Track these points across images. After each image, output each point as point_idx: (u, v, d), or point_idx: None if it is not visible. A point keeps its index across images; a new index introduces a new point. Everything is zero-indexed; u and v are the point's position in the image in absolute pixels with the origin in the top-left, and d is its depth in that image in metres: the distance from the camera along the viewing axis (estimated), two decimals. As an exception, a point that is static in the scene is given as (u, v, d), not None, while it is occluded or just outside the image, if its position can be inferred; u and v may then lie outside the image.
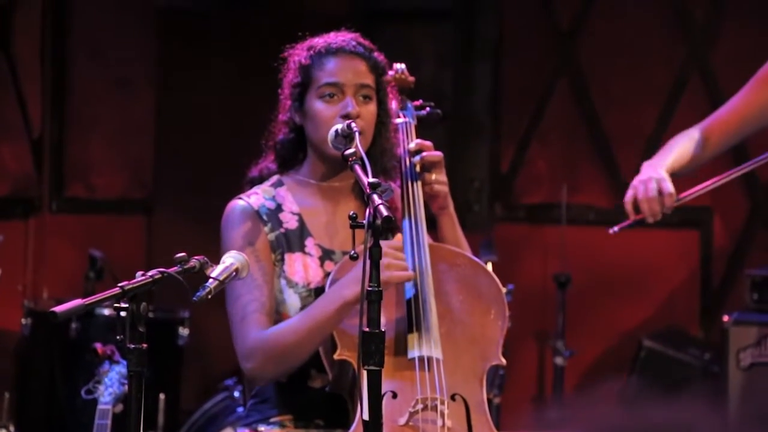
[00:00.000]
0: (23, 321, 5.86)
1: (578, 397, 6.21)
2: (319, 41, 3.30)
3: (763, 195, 6.38)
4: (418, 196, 3.29)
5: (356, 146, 2.95)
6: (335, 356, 3.06)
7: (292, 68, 3.31)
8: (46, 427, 5.90)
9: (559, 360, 6.11)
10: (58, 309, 2.48)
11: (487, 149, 6.93)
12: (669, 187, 3.74)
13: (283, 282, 3.23)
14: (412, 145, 3.34)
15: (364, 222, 2.67)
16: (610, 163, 6.65)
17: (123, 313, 2.54)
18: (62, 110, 6.71)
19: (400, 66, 3.53)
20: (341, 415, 3.14)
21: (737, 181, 3.91)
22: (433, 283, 3.18)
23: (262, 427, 3.26)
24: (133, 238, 6.97)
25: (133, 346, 2.55)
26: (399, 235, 3.23)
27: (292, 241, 3.27)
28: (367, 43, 3.32)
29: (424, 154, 3.31)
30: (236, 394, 5.37)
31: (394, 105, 3.45)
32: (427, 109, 3.54)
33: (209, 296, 2.67)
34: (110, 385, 4.02)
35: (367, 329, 2.64)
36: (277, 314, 3.22)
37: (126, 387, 3.94)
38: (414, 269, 3.16)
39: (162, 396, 5.47)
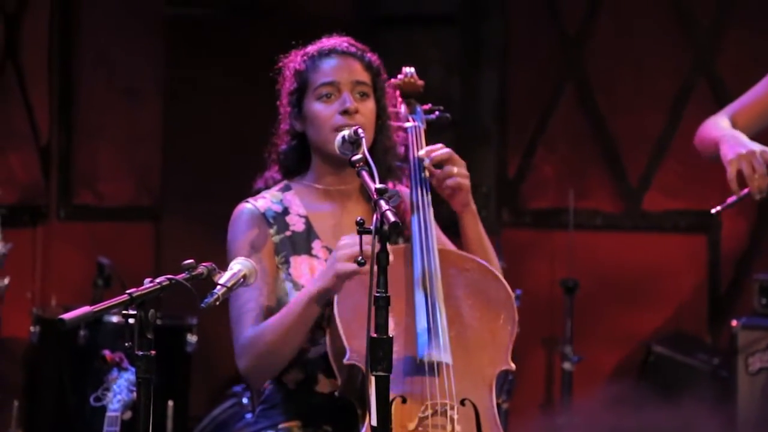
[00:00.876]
0: (32, 328, 5.87)
1: (587, 403, 6.20)
2: (312, 47, 3.33)
3: (771, 199, 6.38)
4: (427, 201, 3.29)
5: (363, 152, 2.95)
6: (344, 361, 3.06)
7: (288, 76, 3.33)
8: (55, 434, 5.91)
9: (567, 365, 6.11)
10: (67, 316, 2.48)
11: (494, 155, 6.93)
12: None
13: (288, 285, 3.24)
14: (421, 153, 3.34)
15: (372, 228, 2.67)
16: (617, 168, 6.65)
17: (131, 320, 2.54)
18: (70, 118, 6.73)
19: (409, 70, 3.54)
20: (349, 421, 3.14)
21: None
22: (443, 288, 3.18)
23: (270, 434, 3.27)
24: (141, 245, 6.98)
25: (141, 353, 2.55)
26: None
27: (299, 243, 3.28)
28: (359, 44, 3.35)
29: (433, 154, 3.31)
30: (245, 400, 5.37)
31: (403, 109, 3.46)
32: (437, 113, 3.54)
33: (217, 303, 2.68)
34: (119, 392, 4.02)
35: (375, 335, 2.64)
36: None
37: (135, 394, 3.94)
38: (423, 274, 3.16)
39: (171, 403, 5.47)
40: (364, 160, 2.92)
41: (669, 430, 4.49)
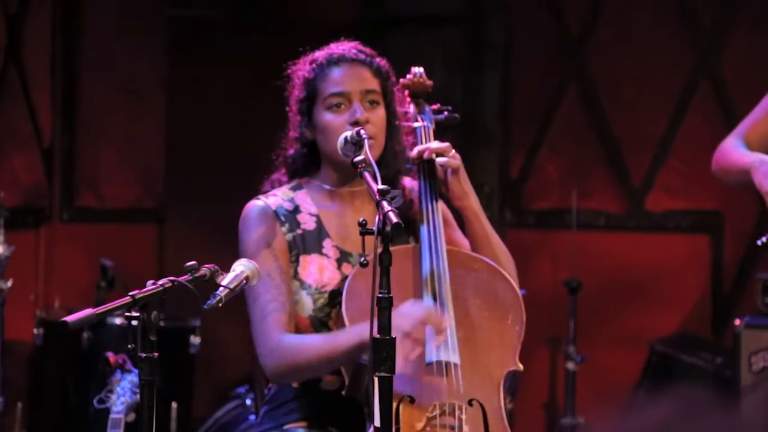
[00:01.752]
0: (35, 331, 5.87)
1: (590, 403, 6.20)
2: (320, 54, 3.31)
3: (775, 198, 6.37)
4: (435, 201, 3.29)
5: (365, 153, 2.95)
6: (354, 359, 3.08)
7: (297, 84, 3.33)
8: (59, 436, 5.91)
9: (570, 365, 6.11)
10: (70, 318, 2.48)
11: (497, 155, 6.93)
12: None
13: (296, 283, 3.24)
14: (414, 152, 3.34)
15: (374, 228, 2.68)
16: (621, 168, 6.64)
17: (134, 322, 2.54)
18: (72, 120, 6.73)
19: (418, 70, 3.54)
20: (355, 422, 3.14)
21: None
22: (451, 288, 3.18)
23: (274, 434, 3.27)
24: (144, 247, 6.98)
25: (144, 355, 2.55)
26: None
27: (309, 242, 3.27)
28: (367, 49, 3.34)
29: (441, 161, 3.30)
30: (248, 401, 5.37)
31: (411, 109, 3.46)
32: (445, 113, 3.54)
33: (220, 304, 2.68)
34: (122, 394, 4.02)
35: (378, 336, 2.65)
36: (294, 314, 3.22)
37: (138, 396, 3.94)
38: (431, 274, 3.16)
39: (174, 404, 5.47)
40: (367, 161, 2.92)
41: (672, 430, 4.48)
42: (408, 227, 3.21)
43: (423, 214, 3.27)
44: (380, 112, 3.28)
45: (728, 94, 6.32)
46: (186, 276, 2.65)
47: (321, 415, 3.26)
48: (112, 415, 3.98)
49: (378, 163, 3.05)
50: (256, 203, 3.30)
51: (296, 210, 3.31)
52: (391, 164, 3.26)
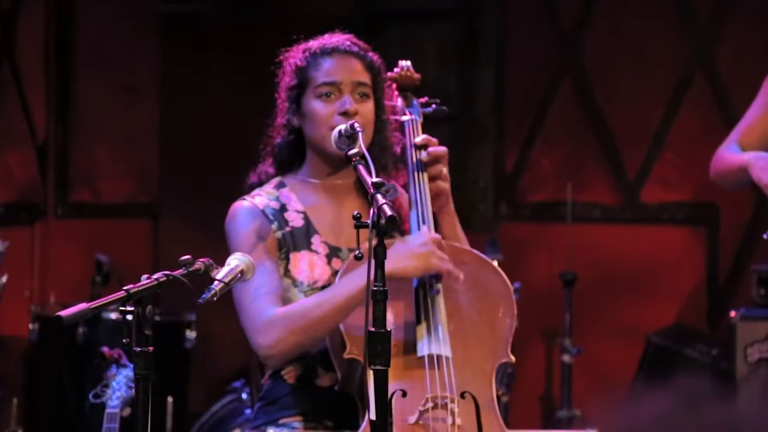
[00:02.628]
0: (30, 326, 5.88)
1: (586, 395, 6.20)
2: (314, 43, 3.32)
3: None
4: (425, 192, 3.29)
5: (359, 146, 2.95)
6: (344, 355, 3.06)
7: (287, 71, 3.32)
8: (55, 431, 5.91)
9: (566, 358, 6.12)
10: (65, 313, 2.48)
11: (492, 149, 6.93)
12: None
13: (287, 281, 3.24)
14: (418, 139, 3.34)
15: (368, 222, 2.67)
16: (615, 160, 6.65)
17: (129, 317, 2.54)
18: (67, 116, 6.73)
19: (405, 63, 3.54)
20: (350, 416, 3.14)
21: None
22: (442, 281, 3.18)
23: (270, 429, 3.26)
24: (139, 242, 6.98)
25: (139, 349, 2.54)
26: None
27: (298, 239, 3.27)
28: (361, 43, 3.34)
29: (429, 149, 3.31)
30: (244, 396, 5.38)
31: (399, 102, 3.46)
32: (433, 106, 3.54)
33: (215, 298, 2.68)
34: (118, 388, 4.03)
35: (373, 329, 2.64)
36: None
37: (133, 390, 3.94)
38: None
39: (170, 399, 5.47)
40: (361, 154, 2.92)
41: (669, 422, 4.49)
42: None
43: (413, 206, 3.27)
44: (370, 106, 3.28)
45: (723, 87, 6.32)
46: (181, 270, 2.65)
47: (316, 410, 3.26)
48: (108, 410, 3.98)
49: None
50: (243, 203, 3.30)
51: (283, 208, 3.30)
52: (378, 159, 3.24)
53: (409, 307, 3.15)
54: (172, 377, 5.76)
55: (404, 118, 3.43)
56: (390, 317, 2.69)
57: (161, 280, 2.58)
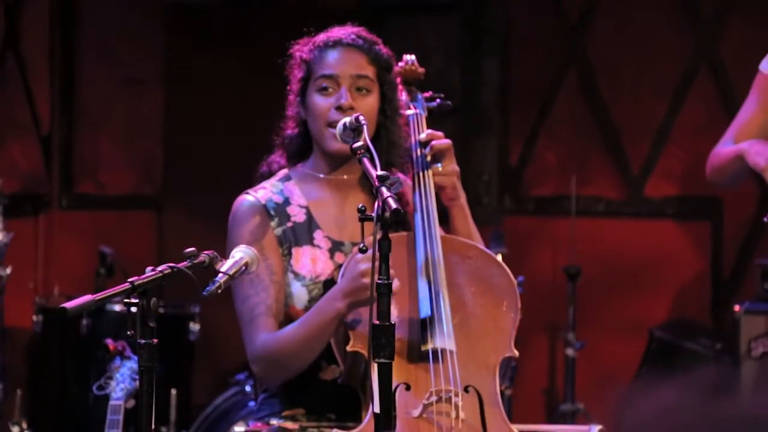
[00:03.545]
0: (34, 318, 5.88)
1: (590, 389, 6.20)
2: (321, 36, 3.32)
3: (774, 184, 6.37)
4: (429, 187, 3.28)
5: (364, 139, 2.94)
6: (348, 348, 3.06)
7: (296, 64, 3.33)
8: (59, 423, 5.91)
9: (570, 352, 6.12)
10: (69, 305, 2.48)
11: (496, 142, 6.92)
12: None
13: (290, 275, 3.24)
14: (422, 136, 3.33)
15: (373, 215, 2.67)
16: (619, 154, 6.64)
17: (133, 309, 2.54)
18: (71, 108, 6.73)
19: (410, 57, 3.53)
20: (353, 408, 3.14)
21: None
22: (446, 275, 3.17)
23: (274, 421, 3.27)
24: (143, 234, 6.98)
25: (143, 341, 2.55)
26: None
27: (300, 234, 3.27)
28: (369, 36, 3.33)
29: (433, 142, 3.31)
30: (247, 388, 5.38)
31: (404, 97, 3.46)
32: (438, 100, 3.54)
33: (219, 291, 2.68)
34: (122, 380, 4.02)
35: (377, 322, 2.64)
36: (286, 307, 3.23)
37: (137, 382, 3.94)
38: (426, 261, 3.16)
39: (173, 391, 5.47)
40: (366, 147, 2.91)
41: (672, 415, 4.48)
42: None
43: (417, 202, 3.27)
44: (370, 101, 3.27)
45: (728, 81, 6.31)
46: (185, 262, 2.65)
47: (319, 403, 3.26)
48: (112, 402, 3.98)
49: None
50: (246, 198, 3.30)
51: (286, 202, 3.31)
52: (385, 154, 3.23)
53: (413, 300, 3.15)
54: (175, 369, 5.76)
55: (408, 112, 3.43)
56: (394, 311, 2.68)
57: (166, 272, 2.58)
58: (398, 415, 2.91)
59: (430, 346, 3.08)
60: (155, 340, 2.55)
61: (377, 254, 2.66)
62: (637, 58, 6.59)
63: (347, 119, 3.08)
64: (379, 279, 2.65)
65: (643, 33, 6.58)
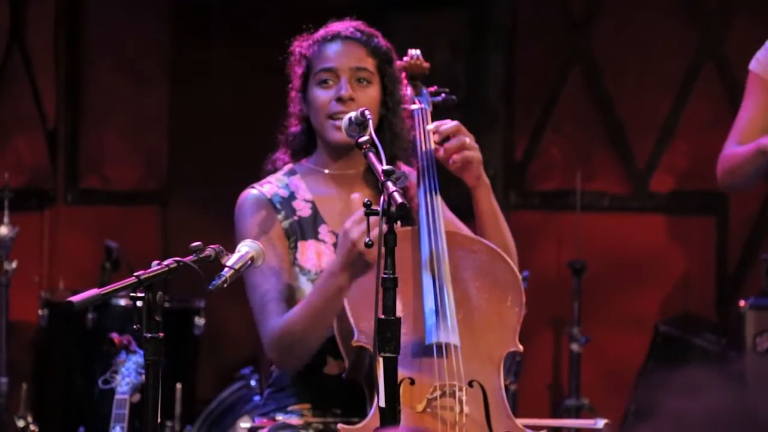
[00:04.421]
0: (40, 312, 5.89)
1: (595, 384, 6.20)
2: (320, 31, 3.33)
3: (780, 179, 6.37)
4: (435, 183, 3.28)
5: (370, 133, 2.94)
6: (353, 343, 3.06)
7: (296, 60, 3.34)
8: (64, 417, 5.92)
9: (575, 346, 6.11)
10: (75, 299, 2.49)
11: (501, 137, 6.92)
12: None
13: (296, 269, 3.24)
14: (430, 127, 3.33)
15: (379, 209, 2.67)
16: (625, 149, 6.63)
17: (139, 303, 2.54)
18: (76, 102, 6.73)
19: (415, 52, 3.53)
20: (358, 403, 3.14)
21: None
22: (450, 270, 3.17)
23: (279, 416, 3.27)
24: (149, 228, 6.98)
25: (149, 335, 2.55)
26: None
27: (306, 228, 3.28)
28: (368, 29, 3.33)
29: (441, 128, 3.29)
30: (253, 383, 5.39)
31: (409, 91, 3.46)
32: (443, 95, 3.53)
33: (225, 285, 2.68)
34: (127, 374, 4.03)
35: (383, 316, 2.65)
36: (293, 301, 3.22)
37: (143, 376, 3.96)
38: (431, 255, 3.16)
39: (179, 385, 5.48)
40: (371, 141, 2.91)
41: (678, 410, 4.49)
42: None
43: (421, 196, 3.26)
44: (370, 92, 3.27)
45: (733, 77, 6.29)
46: (191, 257, 2.65)
47: (324, 397, 3.27)
48: (117, 396, 3.99)
49: None
50: (251, 192, 3.31)
51: (291, 196, 3.31)
52: (388, 147, 3.22)
53: (417, 295, 3.15)
54: (181, 364, 5.77)
55: (413, 107, 3.43)
56: (399, 305, 2.68)
57: (172, 266, 2.59)
58: (403, 409, 2.92)
59: (434, 341, 3.08)
60: (161, 334, 2.55)
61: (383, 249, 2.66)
62: (641, 53, 6.59)
63: (353, 114, 3.07)
64: (384, 273, 2.65)
65: (648, 29, 6.57)
